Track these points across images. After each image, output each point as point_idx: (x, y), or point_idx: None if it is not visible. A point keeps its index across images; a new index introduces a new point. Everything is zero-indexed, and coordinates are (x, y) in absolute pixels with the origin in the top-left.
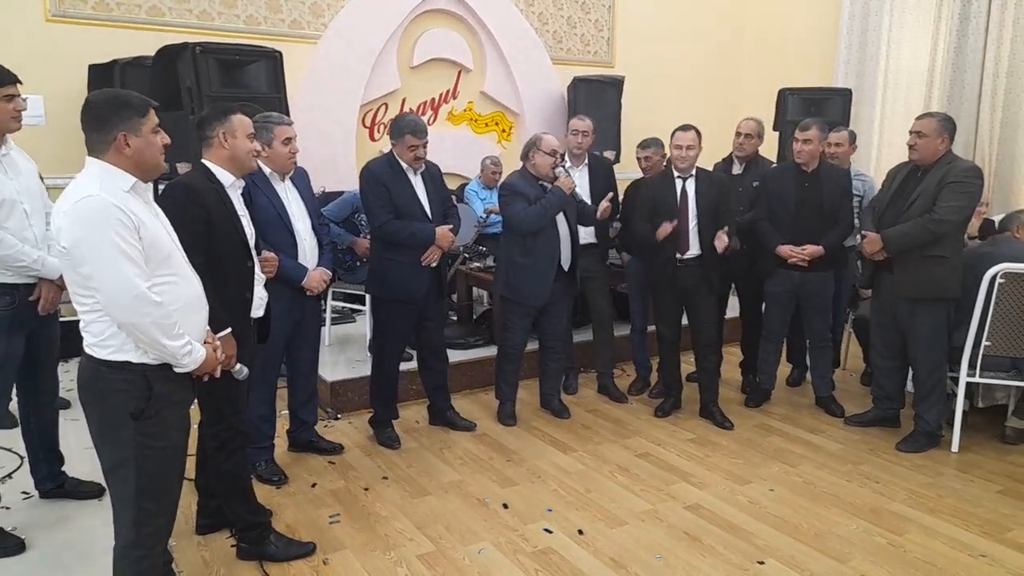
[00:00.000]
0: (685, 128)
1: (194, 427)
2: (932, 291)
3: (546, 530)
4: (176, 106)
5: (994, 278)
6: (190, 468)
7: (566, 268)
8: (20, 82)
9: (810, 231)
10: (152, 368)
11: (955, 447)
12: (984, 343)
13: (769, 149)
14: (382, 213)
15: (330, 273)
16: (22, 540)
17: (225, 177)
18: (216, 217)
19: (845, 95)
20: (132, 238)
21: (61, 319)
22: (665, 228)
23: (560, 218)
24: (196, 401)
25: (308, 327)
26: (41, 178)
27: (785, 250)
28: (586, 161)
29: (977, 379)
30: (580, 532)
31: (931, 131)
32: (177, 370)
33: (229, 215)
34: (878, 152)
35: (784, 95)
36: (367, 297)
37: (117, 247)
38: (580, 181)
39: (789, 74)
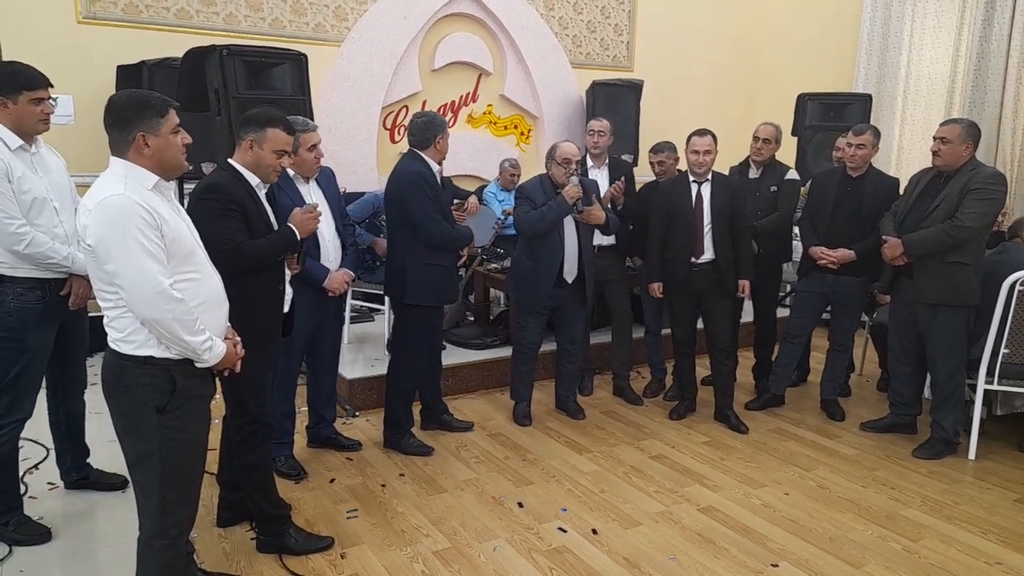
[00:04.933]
0: (701, 133)
1: (216, 422)
2: (952, 297)
3: (560, 529)
4: (203, 107)
5: (1013, 286)
6: (212, 462)
7: (569, 280)
8: (51, 85)
9: (844, 235)
10: (175, 363)
11: (972, 454)
12: (1003, 351)
13: (787, 154)
14: (439, 218)
15: (352, 275)
16: (48, 529)
17: (251, 178)
18: (250, 213)
19: (865, 101)
20: (155, 236)
21: (89, 315)
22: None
23: (570, 229)
24: (220, 395)
25: (330, 326)
26: None
27: (817, 251)
28: (606, 162)
29: (996, 386)
30: (594, 532)
31: (955, 137)
32: (198, 365)
33: (260, 211)
34: (898, 158)
35: (803, 100)
36: (386, 298)
37: (140, 244)
38: (600, 182)
39: (808, 79)
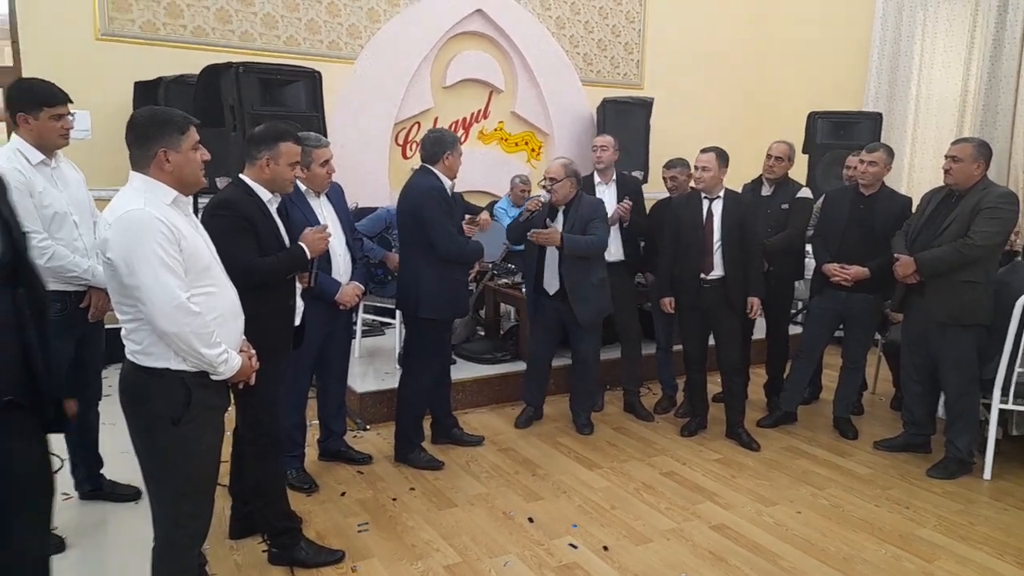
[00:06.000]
0: (705, 150)
1: (228, 434)
2: (963, 316)
3: (571, 545)
4: (218, 123)
5: None
6: (223, 474)
7: (551, 292)
8: (71, 101)
9: (856, 253)
10: (190, 375)
11: (988, 474)
12: (1017, 370)
13: (798, 172)
14: (457, 234)
15: (363, 288)
16: (62, 539)
17: (263, 193)
18: (260, 229)
19: (875, 119)
20: (173, 250)
21: (105, 326)
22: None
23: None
24: (233, 407)
25: (339, 339)
26: None
27: (830, 268)
28: (614, 178)
29: (1011, 406)
30: (605, 548)
31: (967, 156)
32: (213, 377)
33: (271, 226)
34: (908, 177)
35: (813, 119)
36: (398, 312)
37: (159, 259)
38: (608, 198)
39: (819, 98)
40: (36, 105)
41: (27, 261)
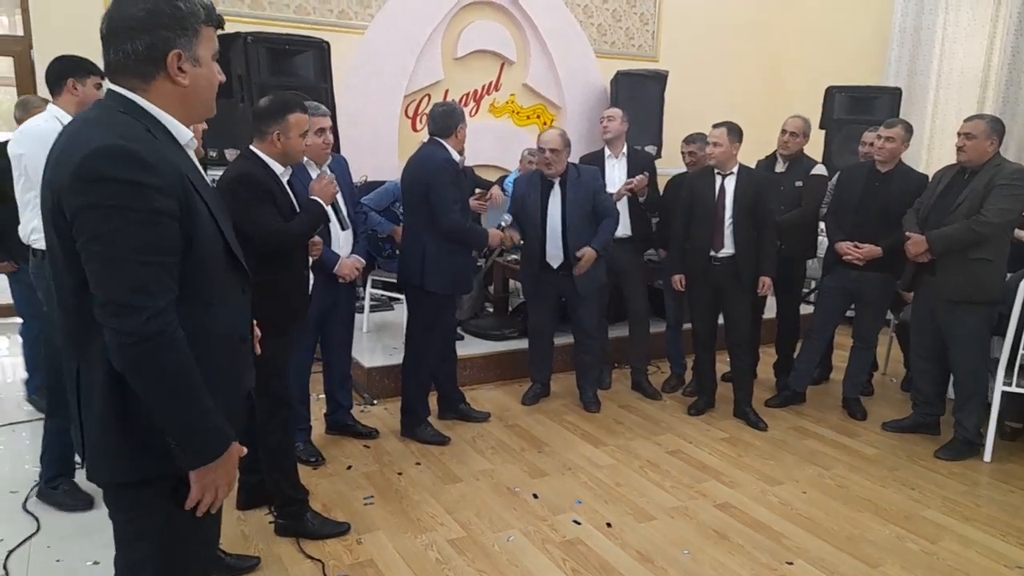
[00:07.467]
0: (717, 125)
1: None
2: (974, 294)
3: (575, 521)
4: (226, 94)
5: None
6: None
7: (554, 265)
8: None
9: (869, 231)
10: None
11: (988, 456)
12: (1021, 352)
13: (814, 147)
14: (458, 209)
15: (363, 261)
16: (92, 497)
17: (276, 166)
18: (278, 200)
19: (895, 94)
20: None
21: None
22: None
23: (555, 213)
24: None
25: (342, 312)
26: None
27: (843, 246)
28: (624, 151)
29: (1013, 388)
30: (608, 525)
31: (980, 133)
32: None
33: (286, 199)
34: (928, 154)
35: (831, 93)
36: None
37: None
38: (618, 173)
39: (838, 72)
40: (85, 72)
41: None
